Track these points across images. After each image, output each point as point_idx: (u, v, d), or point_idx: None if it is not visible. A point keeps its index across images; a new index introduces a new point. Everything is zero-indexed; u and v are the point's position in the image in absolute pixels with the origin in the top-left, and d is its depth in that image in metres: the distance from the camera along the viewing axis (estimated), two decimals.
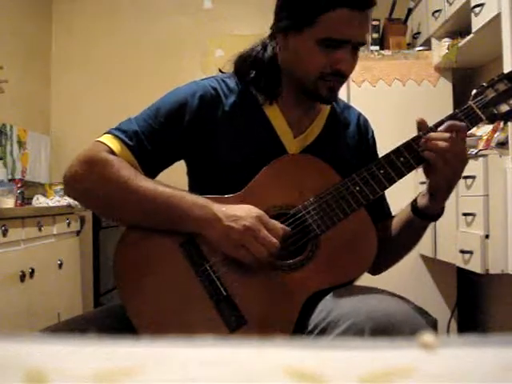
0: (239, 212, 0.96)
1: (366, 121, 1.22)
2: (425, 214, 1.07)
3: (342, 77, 1.04)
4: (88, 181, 1.00)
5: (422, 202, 1.06)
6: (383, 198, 1.20)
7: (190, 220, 0.98)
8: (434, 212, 1.06)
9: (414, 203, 1.08)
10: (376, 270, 1.15)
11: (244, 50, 1.14)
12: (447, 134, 0.98)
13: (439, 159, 0.97)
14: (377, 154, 1.21)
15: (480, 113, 1.03)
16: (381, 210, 1.18)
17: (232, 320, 0.96)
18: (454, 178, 1.01)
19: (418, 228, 1.11)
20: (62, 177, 1.03)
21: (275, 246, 0.96)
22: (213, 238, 0.98)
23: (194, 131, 1.06)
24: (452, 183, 1.02)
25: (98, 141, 1.03)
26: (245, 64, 1.11)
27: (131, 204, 0.99)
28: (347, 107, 1.22)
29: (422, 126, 1.02)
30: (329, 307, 0.94)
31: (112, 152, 1.01)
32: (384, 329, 0.83)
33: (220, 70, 1.18)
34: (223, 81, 1.12)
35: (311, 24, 0.99)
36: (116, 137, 1.03)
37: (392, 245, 1.13)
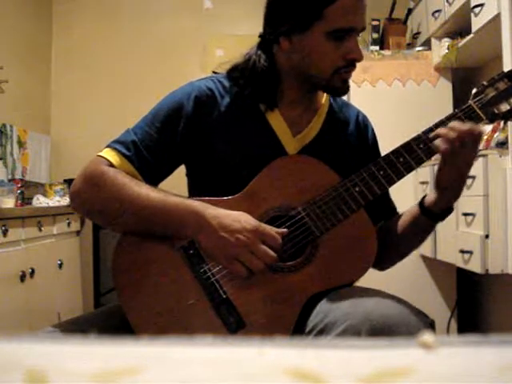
0: (235, 223, 0.96)
1: (365, 118, 1.22)
2: (430, 212, 1.06)
3: (354, 65, 1.04)
4: (86, 194, 1.01)
5: (430, 199, 1.06)
6: (388, 196, 1.20)
7: (184, 228, 0.98)
8: (441, 210, 1.06)
9: (421, 202, 1.08)
10: (382, 266, 1.16)
11: (238, 61, 1.12)
12: (456, 127, 0.97)
13: (449, 146, 0.96)
14: (378, 150, 1.21)
15: (480, 112, 1.02)
16: (387, 207, 1.19)
17: (231, 322, 0.96)
18: (465, 169, 1.00)
19: (424, 227, 1.10)
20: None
21: (272, 258, 0.96)
22: (207, 247, 0.98)
23: (191, 133, 1.06)
24: (463, 174, 1.01)
25: (98, 155, 1.04)
26: (242, 76, 1.10)
27: (125, 212, 0.99)
28: (346, 104, 1.22)
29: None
30: (326, 309, 0.94)
31: (111, 165, 1.02)
32: (381, 331, 0.83)
33: (214, 72, 1.17)
34: (219, 81, 1.11)
35: (318, 19, 0.99)
36: (114, 149, 1.04)
37: (398, 242, 1.13)
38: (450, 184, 1.02)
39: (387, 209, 1.19)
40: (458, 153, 0.97)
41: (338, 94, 1.10)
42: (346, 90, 1.08)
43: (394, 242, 1.12)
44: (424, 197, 1.09)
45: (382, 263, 1.14)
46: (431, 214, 1.06)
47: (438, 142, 0.98)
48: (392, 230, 1.13)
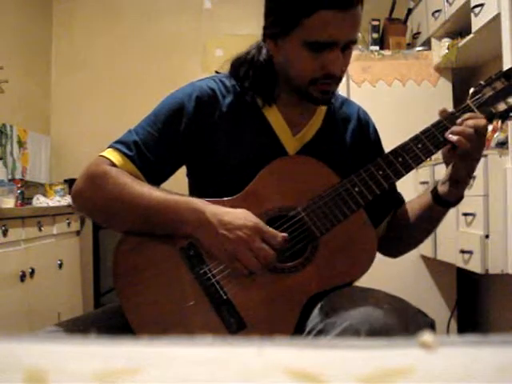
0: (235, 220, 0.95)
1: (365, 114, 1.22)
2: (447, 202, 1.08)
3: (334, 79, 1.02)
4: (88, 193, 1.02)
5: (444, 190, 1.07)
6: (394, 187, 1.21)
7: (184, 224, 0.98)
8: (456, 198, 1.09)
9: (434, 192, 1.09)
10: (397, 253, 1.21)
11: (240, 54, 1.13)
12: (470, 121, 1.00)
13: (467, 143, 0.98)
14: (381, 146, 1.21)
15: (478, 112, 1.03)
16: (395, 197, 1.20)
17: (232, 323, 0.96)
18: (478, 161, 1.03)
19: (439, 214, 1.12)
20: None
21: (271, 258, 0.95)
22: (206, 244, 0.98)
23: (193, 133, 1.06)
24: (475, 167, 1.04)
25: (100, 155, 1.04)
26: (242, 69, 1.10)
27: (127, 211, 0.99)
28: (345, 101, 1.21)
29: (444, 115, 1.04)
30: (326, 309, 0.94)
31: (113, 165, 1.02)
32: (380, 330, 0.83)
33: (216, 72, 1.17)
34: (221, 81, 1.11)
35: (296, 28, 0.98)
36: (116, 149, 1.04)
37: (412, 231, 1.17)
38: (466, 177, 1.05)
39: (395, 199, 1.20)
40: (476, 147, 0.99)
41: (316, 103, 1.08)
42: (326, 100, 1.06)
43: (407, 230, 1.16)
44: (435, 188, 1.10)
45: (396, 251, 1.20)
46: (448, 204, 1.09)
47: (458, 139, 0.99)
48: (405, 220, 1.16)
